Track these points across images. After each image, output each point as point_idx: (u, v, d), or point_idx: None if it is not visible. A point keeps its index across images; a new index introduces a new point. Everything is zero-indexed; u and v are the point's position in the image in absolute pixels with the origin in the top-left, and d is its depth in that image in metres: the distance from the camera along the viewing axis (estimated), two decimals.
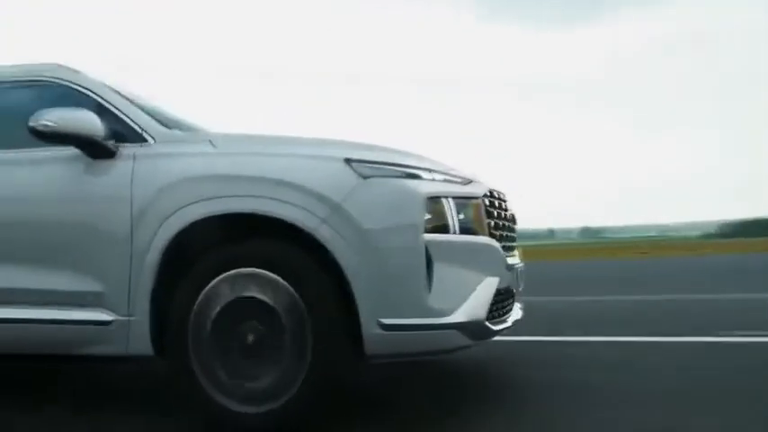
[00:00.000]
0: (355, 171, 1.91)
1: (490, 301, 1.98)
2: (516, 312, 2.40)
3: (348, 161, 1.94)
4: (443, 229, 1.92)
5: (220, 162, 2.07)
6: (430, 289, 1.84)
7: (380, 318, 1.82)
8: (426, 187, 1.93)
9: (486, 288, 1.98)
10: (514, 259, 2.35)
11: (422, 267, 1.83)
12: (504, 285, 2.12)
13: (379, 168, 1.94)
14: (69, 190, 2.19)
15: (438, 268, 1.87)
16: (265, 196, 1.93)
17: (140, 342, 2.05)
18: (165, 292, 2.03)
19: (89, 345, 2.14)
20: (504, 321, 2.17)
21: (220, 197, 1.98)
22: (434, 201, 1.92)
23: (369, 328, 1.82)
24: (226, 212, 1.97)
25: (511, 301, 2.31)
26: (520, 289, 2.47)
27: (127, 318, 2.05)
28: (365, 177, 1.90)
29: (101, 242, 2.09)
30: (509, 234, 2.40)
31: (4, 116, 2.43)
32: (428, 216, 1.90)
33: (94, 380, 3.04)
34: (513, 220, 2.52)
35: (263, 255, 1.94)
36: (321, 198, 1.87)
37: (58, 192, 2.21)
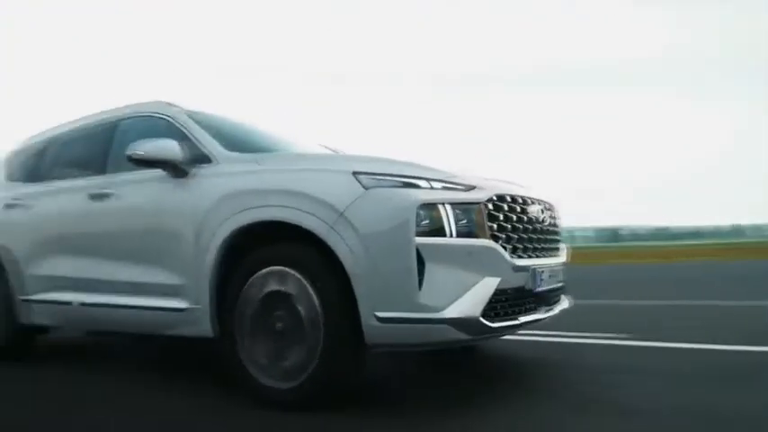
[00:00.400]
0: (360, 182, 2.17)
1: (486, 300, 2.10)
2: (541, 311, 2.48)
3: (355, 174, 2.20)
4: (439, 232, 2.10)
5: (260, 178, 2.46)
6: (420, 287, 2.04)
7: (376, 311, 2.05)
8: (421, 195, 2.12)
9: (484, 287, 2.12)
10: (533, 260, 2.41)
11: (412, 267, 2.03)
12: (508, 286, 2.22)
13: (380, 179, 2.18)
14: (156, 203, 2.76)
15: (430, 268, 2.05)
16: (289, 206, 2.27)
17: (205, 326, 2.52)
18: (222, 286, 2.47)
19: (170, 327, 2.68)
20: (513, 319, 2.26)
21: (258, 207, 2.37)
22: (430, 207, 2.11)
23: (367, 320, 2.07)
24: (262, 220, 2.36)
25: (527, 300, 2.37)
26: (551, 287, 2.53)
27: (195, 306, 2.54)
28: (367, 188, 2.16)
29: (177, 244, 2.61)
30: (532, 236, 2.46)
31: (118, 146, 3.08)
32: (425, 221, 2.09)
33: (171, 355, 3.63)
34: (541, 222, 2.56)
35: (288, 256, 2.29)
36: (330, 207, 2.17)
37: (148, 205, 2.79)
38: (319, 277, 2.18)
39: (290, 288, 2.25)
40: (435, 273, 2.06)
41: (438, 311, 2.03)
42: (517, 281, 2.28)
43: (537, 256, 2.48)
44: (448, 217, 2.12)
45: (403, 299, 2.04)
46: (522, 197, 2.45)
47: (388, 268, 2.06)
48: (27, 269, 3.43)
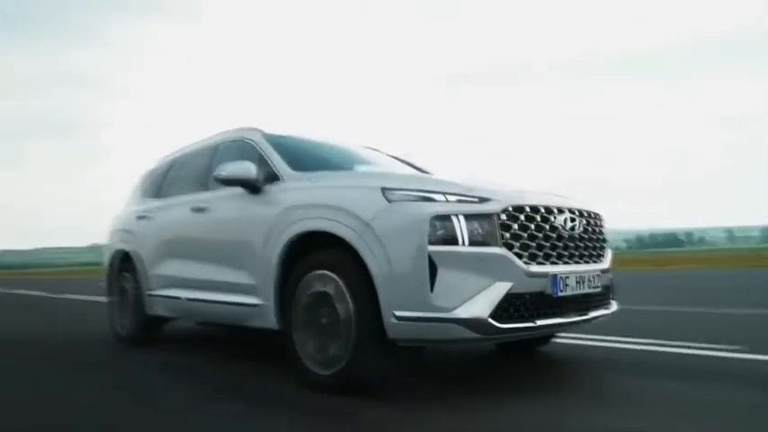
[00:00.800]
0: (386, 197, 2.48)
1: (496, 303, 2.29)
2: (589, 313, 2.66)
3: (383, 189, 2.51)
4: (452, 240, 2.33)
5: (310, 194, 2.86)
6: (432, 289, 2.29)
7: (394, 310, 2.34)
8: (435, 207, 2.36)
9: (494, 291, 2.31)
10: (555, 267, 2.52)
11: (424, 272, 2.29)
12: (523, 290, 2.38)
13: (403, 194, 2.46)
14: (236, 216, 3.28)
15: (442, 273, 2.30)
16: (329, 218, 2.64)
17: (271, 320, 2.98)
18: (283, 286, 2.91)
19: (248, 320, 3.18)
20: (529, 322, 2.40)
21: (306, 219, 2.77)
22: (443, 218, 2.35)
23: (387, 318, 2.36)
24: (309, 230, 2.75)
25: (548, 304, 2.49)
26: (581, 292, 2.62)
27: (264, 302, 3.01)
28: (391, 201, 2.46)
29: (251, 251, 3.10)
30: (556, 244, 2.58)
31: (216, 166, 3.63)
32: (439, 230, 2.34)
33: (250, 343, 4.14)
34: (569, 230, 2.65)
35: (328, 261, 2.66)
36: (359, 219, 2.50)
37: (231, 218, 3.33)
38: (352, 280, 2.52)
39: (330, 289, 2.62)
40: (447, 277, 2.30)
41: (448, 312, 2.27)
42: (534, 286, 2.43)
43: (562, 263, 2.59)
44: (460, 227, 2.35)
45: (417, 300, 2.31)
46: (545, 207, 2.58)
47: (405, 272, 2.34)
48: (150, 269, 4.19)
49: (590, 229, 2.84)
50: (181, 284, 3.81)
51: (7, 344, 4.83)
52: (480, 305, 2.28)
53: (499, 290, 2.32)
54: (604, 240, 3.00)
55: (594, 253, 2.85)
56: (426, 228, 2.33)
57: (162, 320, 4.37)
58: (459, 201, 2.42)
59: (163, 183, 4.56)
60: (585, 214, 2.84)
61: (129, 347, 4.32)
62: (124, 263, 4.62)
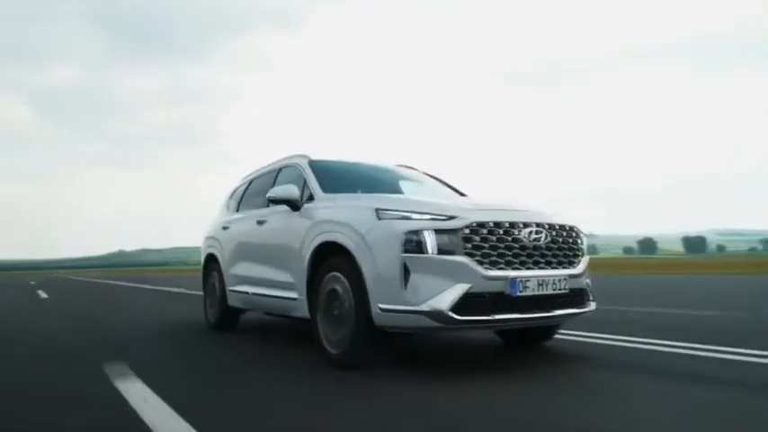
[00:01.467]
0: (377, 216, 3.18)
1: (455, 299, 2.90)
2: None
3: (376, 210, 3.22)
4: (422, 250, 2.98)
5: (330, 212, 3.63)
6: (405, 287, 2.96)
7: (379, 304, 3.04)
8: (410, 224, 3.03)
9: (455, 290, 2.92)
10: (515, 272, 3.06)
11: (400, 274, 2.97)
12: (483, 290, 2.96)
13: (390, 213, 3.15)
14: (283, 228, 4.14)
15: (413, 275, 2.96)
16: (338, 232, 3.40)
17: (305, 310, 3.78)
18: (311, 283, 3.71)
19: (291, 311, 4.01)
20: (486, 316, 2.98)
21: (325, 232, 3.55)
22: (416, 232, 3.00)
23: (374, 310, 3.06)
24: (326, 240, 3.52)
25: (507, 302, 3.04)
26: (542, 293, 3.13)
27: (300, 297, 3.83)
28: (380, 219, 3.15)
29: (291, 255, 3.94)
30: (519, 253, 3.12)
31: (267, 189, 4.52)
32: (411, 242, 3.00)
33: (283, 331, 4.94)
34: (534, 241, 3.18)
35: (338, 265, 3.40)
36: (357, 232, 3.23)
37: (279, 229, 4.20)
38: (353, 280, 3.24)
39: (339, 287, 3.37)
40: (417, 278, 2.96)
41: (417, 305, 2.93)
42: (493, 287, 3.00)
43: (525, 269, 3.13)
44: (430, 239, 2.99)
45: (394, 296, 2.99)
46: (510, 222, 3.14)
47: (386, 274, 3.03)
48: (229, 269, 5.20)
49: (559, 240, 3.33)
50: (248, 282, 4.75)
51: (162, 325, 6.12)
52: (442, 301, 2.91)
53: (459, 289, 2.93)
54: (578, 249, 3.46)
55: (563, 260, 3.34)
56: (402, 239, 3.00)
57: (239, 311, 5.36)
58: (431, 219, 3.06)
59: (241, 199, 5.58)
60: (556, 227, 3.34)
61: (214, 332, 5.37)
62: (212, 264, 5.69)
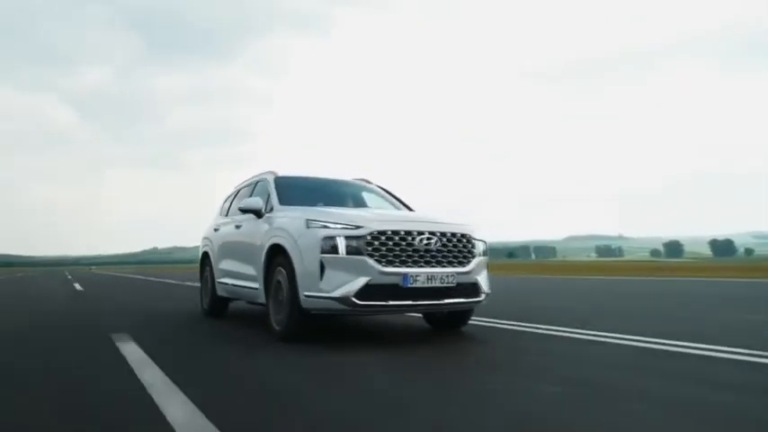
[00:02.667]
0: (307, 225, 4.19)
1: (358, 289, 3.88)
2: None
3: (307, 220, 4.23)
4: (335, 251, 3.98)
5: (278, 221, 4.66)
6: (321, 279, 3.96)
7: (304, 292, 4.05)
8: (326, 232, 4.03)
9: (357, 282, 3.90)
10: (406, 269, 4.01)
11: (318, 269, 3.97)
12: (380, 282, 3.92)
13: (315, 223, 4.16)
14: (250, 231, 5.20)
15: (328, 270, 3.96)
16: (281, 236, 4.42)
17: (263, 298, 4.82)
18: (266, 276, 4.74)
19: (255, 298, 5.05)
20: (383, 301, 3.95)
21: (275, 236, 4.57)
22: (331, 238, 4.00)
23: (301, 296, 4.08)
24: (275, 242, 4.55)
25: (400, 292, 3.99)
26: (431, 286, 4.09)
27: (260, 287, 4.87)
28: (309, 227, 4.17)
29: (255, 252, 4.98)
30: (413, 254, 4.07)
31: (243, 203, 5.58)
32: (327, 245, 4.00)
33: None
34: (425, 245, 4.13)
35: (282, 261, 4.42)
36: (292, 237, 4.25)
37: (248, 232, 5.26)
38: (289, 274, 4.26)
39: (282, 279, 4.39)
40: (330, 273, 3.96)
41: (329, 293, 3.94)
42: (388, 280, 3.97)
43: (417, 267, 4.08)
44: (341, 244, 3.99)
45: (314, 286, 4.00)
46: (405, 231, 4.11)
47: (309, 269, 4.04)
48: (217, 264, 6.28)
49: (449, 244, 4.28)
50: (229, 275, 5.82)
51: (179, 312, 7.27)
52: (347, 289, 3.91)
53: (361, 281, 3.92)
54: (468, 252, 4.39)
55: (453, 260, 4.28)
56: (320, 243, 4.01)
57: (227, 300, 6.44)
58: (343, 227, 4.06)
59: (230, 206, 6.67)
60: (448, 234, 4.28)
61: (204, 318, 6.46)
62: (206, 260, 6.79)
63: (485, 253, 4.63)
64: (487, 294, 4.55)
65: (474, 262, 4.44)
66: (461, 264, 4.34)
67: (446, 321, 5.03)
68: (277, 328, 4.42)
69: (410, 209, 5.79)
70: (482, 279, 4.53)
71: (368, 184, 6.17)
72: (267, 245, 4.68)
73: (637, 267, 33.60)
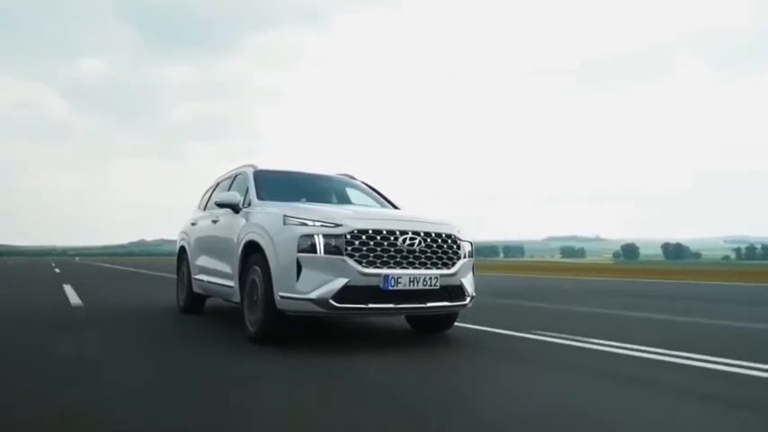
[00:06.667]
0: (284, 222, 3.96)
1: (336, 290, 3.66)
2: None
3: (284, 216, 4.00)
4: (312, 250, 3.76)
5: (255, 216, 4.43)
6: (298, 280, 3.74)
7: (279, 292, 3.83)
8: (304, 229, 3.80)
9: (335, 283, 3.68)
10: (388, 270, 3.79)
11: (294, 269, 3.75)
12: (359, 284, 3.71)
13: (292, 220, 3.93)
14: (227, 227, 4.96)
15: (305, 270, 3.74)
16: (257, 233, 4.19)
17: (237, 297, 4.59)
18: (242, 275, 4.51)
19: (230, 296, 4.82)
20: (362, 304, 3.73)
21: (251, 232, 4.34)
22: (309, 236, 3.78)
23: (276, 297, 3.85)
24: (251, 240, 4.32)
25: (380, 294, 3.77)
26: (412, 288, 3.88)
27: (235, 285, 4.64)
28: (285, 224, 3.94)
29: (231, 249, 4.74)
30: (395, 255, 3.86)
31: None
32: (304, 244, 3.78)
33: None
34: (408, 246, 3.92)
35: (257, 259, 4.19)
36: (268, 234, 4.02)
37: (224, 227, 5.02)
38: (264, 273, 4.03)
39: (257, 278, 4.16)
40: (307, 272, 3.74)
41: (306, 294, 3.71)
42: (368, 282, 3.76)
43: (399, 268, 3.87)
44: (319, 242, 3.77)
45: (290, 286, 3.77)
46: (387, 230, 3.89)
47: (284, 268, 3.82)
48: (193, 260, 6.03)
49: (434, 245, 4.07)
50: (205, 271, 5.58)
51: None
52: (324, 291, 3.69)
53: (339, 282, 3.70)
54: (453, 253, 4.19)
55: (437, 262, 4.07)
56: (297, 241, 3.79)
57: (203, 297, 6.19)
58: (321, 225, 3.84)
59: (208, 200, 6.41)
60: (432, 235, 4.07)
61: (179, 314, 6.22)
62: (183, 254, 6.53)
63: (471, 254, 4.43)
64: (473, 297, 4.36)
65: (459, 264, 4.24)
66: (446, 265, 4.14)
67: (430, 325, 4.83)
68: (251, 329, 4.20)
69: (395, 206, 5.57)
70: (467, 281, 4.33)
71: (352, 180, 5.94)
72: (243, 241, 4.45)
73: (568, 268, 35.69)
